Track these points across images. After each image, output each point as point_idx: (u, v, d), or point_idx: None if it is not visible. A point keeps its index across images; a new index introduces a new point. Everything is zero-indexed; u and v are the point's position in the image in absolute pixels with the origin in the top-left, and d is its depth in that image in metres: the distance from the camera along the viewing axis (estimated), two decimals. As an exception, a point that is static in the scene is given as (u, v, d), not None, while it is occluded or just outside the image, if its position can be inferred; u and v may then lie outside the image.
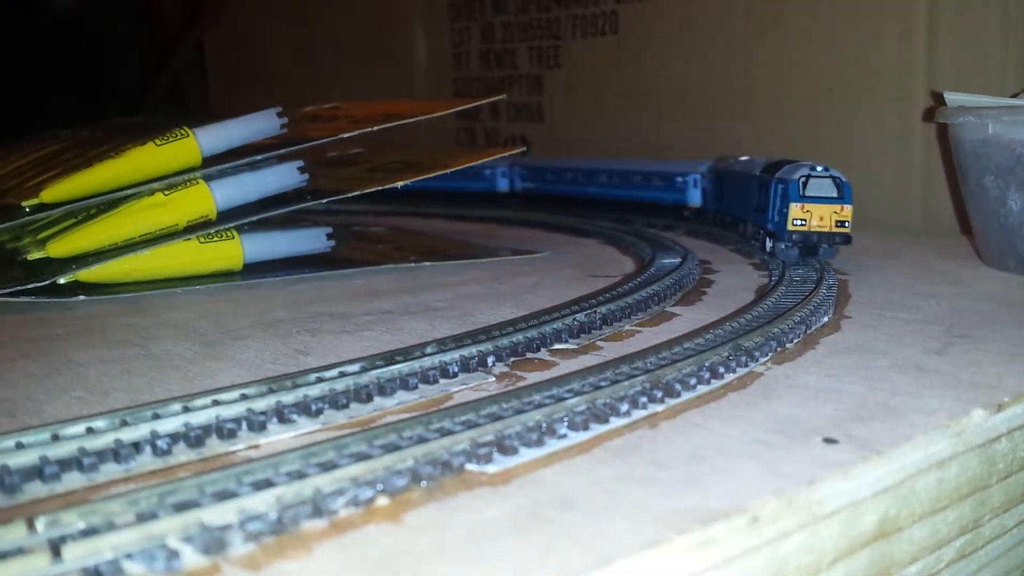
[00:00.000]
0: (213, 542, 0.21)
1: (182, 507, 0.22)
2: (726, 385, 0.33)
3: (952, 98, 0.58)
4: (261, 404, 0.30)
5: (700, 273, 0.54)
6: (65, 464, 0.26)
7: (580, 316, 0.41)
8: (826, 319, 0.42)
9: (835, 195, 0.52)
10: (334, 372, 0.33)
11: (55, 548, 0.21)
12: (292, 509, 0.23)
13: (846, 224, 0.52)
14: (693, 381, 0.32)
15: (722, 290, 0.51)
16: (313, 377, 0.32)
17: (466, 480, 0.25)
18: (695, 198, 0.76)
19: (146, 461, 0.27)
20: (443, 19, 1.10)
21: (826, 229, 0.52)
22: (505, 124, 1.06)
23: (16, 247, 0.56)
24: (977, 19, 0.68)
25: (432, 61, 1.13)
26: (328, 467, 0.24)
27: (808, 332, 0.40)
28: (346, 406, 0.31)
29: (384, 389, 0.32)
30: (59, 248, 0.52)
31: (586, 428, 0.28)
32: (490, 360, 0.36)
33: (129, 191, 0.54)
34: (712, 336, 0.37)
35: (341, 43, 1.23)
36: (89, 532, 0.21)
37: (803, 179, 0.52)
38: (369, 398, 0.32)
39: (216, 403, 0.30)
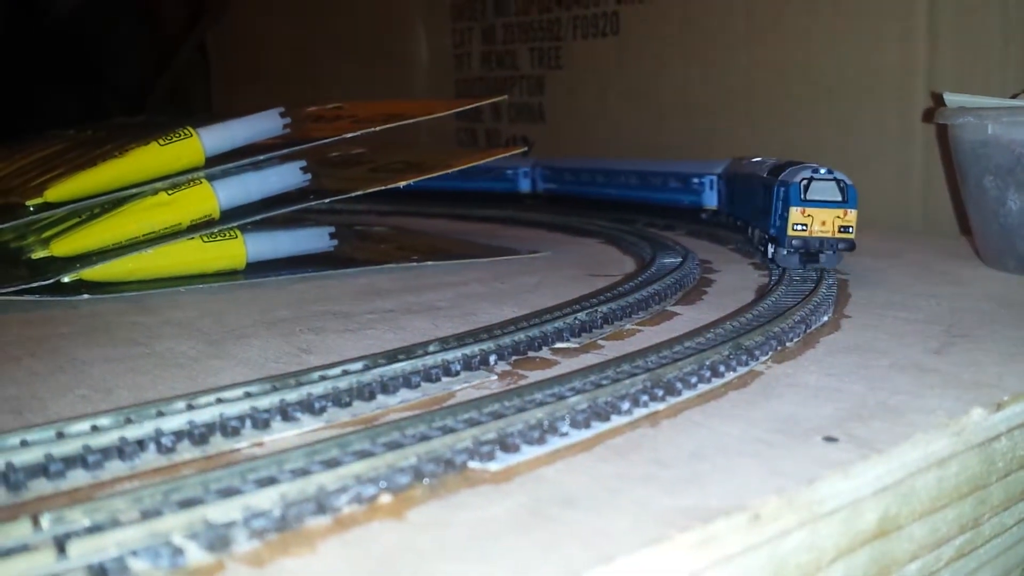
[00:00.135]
0: (217, 539, 0.21)
1: (186, 504, 0.23)
2: (727, 384, 0.33)
3: (952, 99, 0.58)
4: (265, 402, 0.30)
5: (701, 273, 0.54)
6: (70, 462, 0.26)
7: (581, 315, 0.41)
8: (826, 318, 0.42)
9: (839, 199, 0.49)
10: (337, 370, 0.33)
11: (60, 545, 0.21)
12: (296, 506, 0.23)
13: (850, 230, 0.49)
14: (694, 380, 0.32)
15: (723, 289, 0.51)
16: (316, 375, 0.33)
17: (468, 478, 0.25)
18: (711, 200, 0.74)
19: (150, 459, 0.27)
20: (444, 20, 1.11)
21: (828, 234, 0.49)
22: (506, 125, 1.06)
23: (20, 246, 0.56)
24: (977, 20, 0.69)
25: (433, 62, 1.13)
26: (332, 464, 0.25)
27: (808, 331, 0.40)
28: (349, 404, 0.31)
29: (387, 387, 0.32)
30: (63, 247, 0.53)
31: (588, 426, 0.29)
32: (492, 359, 0.36)
33: (133, 190, 0.54)
34: (713, 335, 0.37)
35: (343, 43, 1.23)
36: (94, 529, 0.21)
37: (805, 182, 0.50)
38: (372, 396, 0.32)
39: (220, 401, 0.30)
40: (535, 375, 0.35)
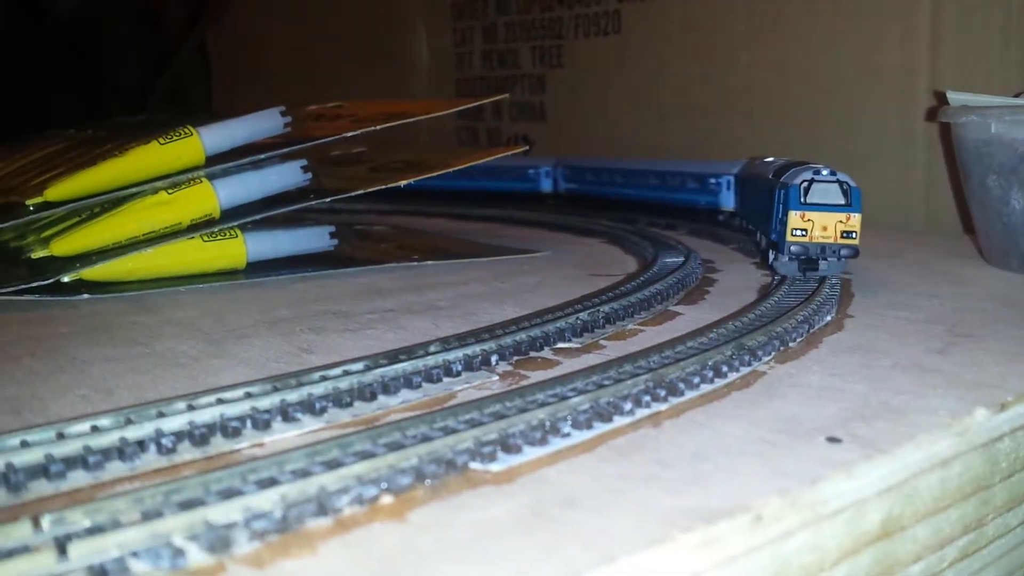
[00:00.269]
0: (218, 540, 0.21)
1: (187, 505, 0.22)
2: (729, 384, 0.33)
3: (955, 97, 0.58)
4: (265, 402, 0.30)
5: (703, 272, 0.54)
6: (70, 462, 0.26)
7: (583, 315, 0.41)
8: (829, 318, 0.42)
9: (841, 202, 0.46)
10: (338, 371, 0.33)
11: (61, 546, 0.21)
12: (297, 507, 0.23)
13: (853, 235, 0.46)
14: (696, 380, 0.32)
15: (725, 289, 0.51)
16: (317, 375, 0.32)
17: (470, 479, 0.25)
18: (728, 201, 0.71)
19: (151, 459, 0.27)
20: (445, 19, 1.11)
21: (830, 240, 0.46)
22: (507, 124, 1.06)
23: (20, 245, 0.56)
24: (979, 19, 0.68)
25: (434, 61, 1.13)
26: (332, 465, 0.25)
27: (811, 331, 0.40)
28: (350, 404, 0.31)
29: (388, 388, 0.32)
30: (63, 246, 0.52)
31: (590, 427, 0.28)
32: (493, 359, 0.36)
33: (133, 190, 0.54)
34: (715, 335, 0.37)
35: (343, 43, 1.23)
36: (95, 530, 0.21)
37: (805, 184, 0.47)
38: (373, 396, 0.32)
39: (220, 401, 0.30)
40: (537, 375, 0.35)
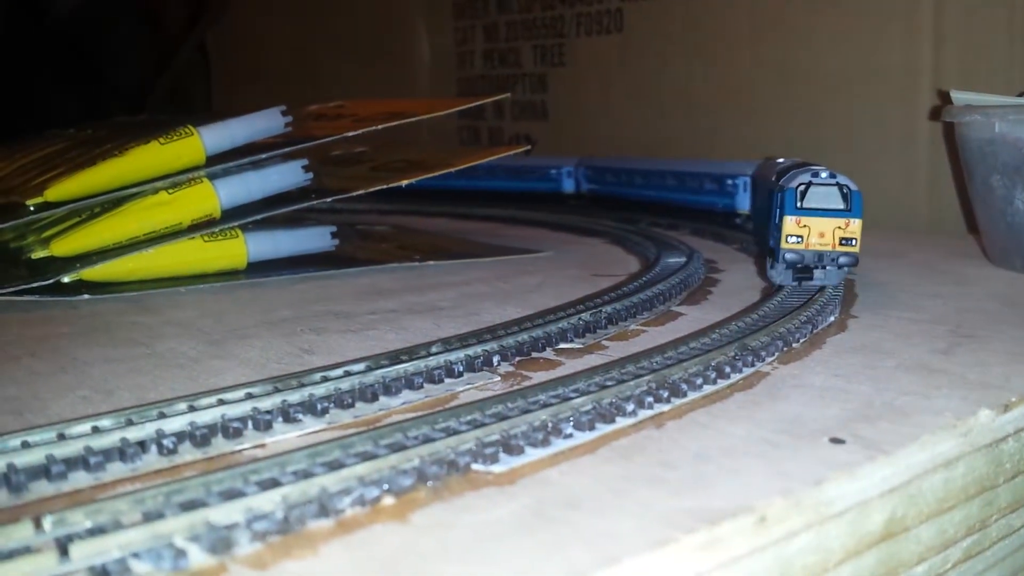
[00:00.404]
0: (220, 541, 0.21)
1: (189, 506, 0.22)
2: (732, 385, 0.33)
3: (959, 97, 0.58)
4: (267, 403, 0.30)
5: (705, 272, 0.54)
6: (71, 463, 0.26)
7: (585, 315, 0.41)
8: (832, 319, 0.42)
9: (841, 207, 0.43)
10: (339, 371, 0.33)
11: (62, 547, 0.21)
12: (298, 508, 0.23)
13: (853, 242, 0.43)
14: (699, 381, 0.32)
15: (728, 289, 0.51)
16: (318, 376, 0.32)
17: (472, 480, 0.25)
18: (744, 203, 0.69)
19: (152, 460, 0.27)
20: (447, 18, 1.10)
21: (828, 247, 0.43)
22: (509, 123, 1.06)
23: (20, 246, 0.56)
24: (982, 18, 0.68)
25: (436, 60, 1.13)
26: (334, 466, 0.24)
27: (814, 332, 0.40)
28: (351, 405, 0.31)
29: (390, 388, 0.32)
30: (63, 247, 0.52)
31: (592, 428, 0.28)
32: (495, 360, 0.36)
33: (133, 190, 0.54)
34: (718, 336, 0.37)
35: (344, 42, 1.23)
36: (96, 531, 0.21)
37: (802, 187, 0.44)
38: (375, 397, 0.32)
39: (222, 402, 0.30)
40: (539, 376, 0.35)
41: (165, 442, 0.27)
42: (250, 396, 0.30)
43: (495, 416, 0.28)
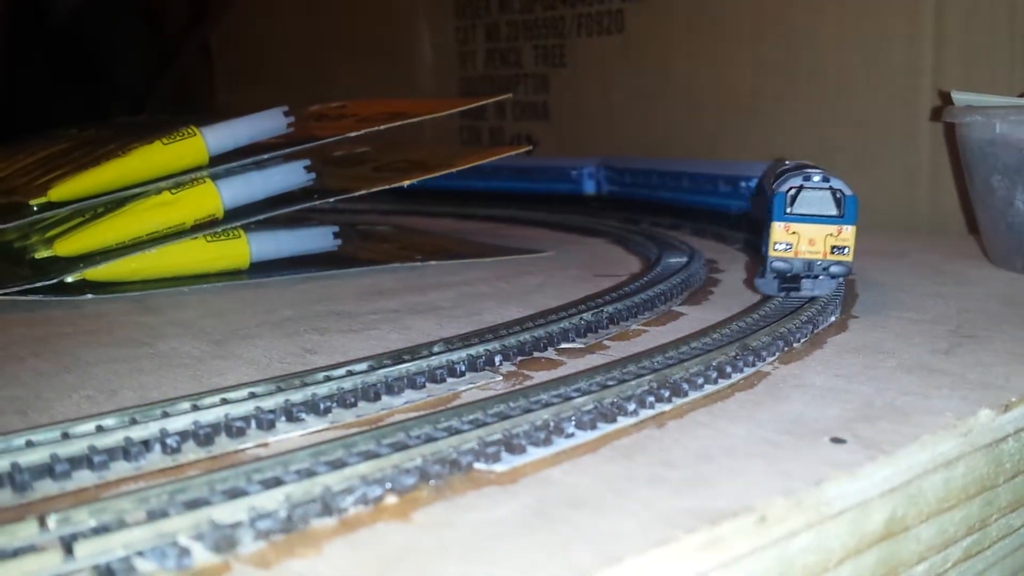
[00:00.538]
0: (223, 540, 0.21)
1: (192, 505, 0.23)
2: (733, 385, 0.33)
3: (960, 97, 0.58)
4: (270, 403, 0.30)
5: (707, 272, 0.54)
6: (75, 462, 0.26)
7: (587, 315, 0.41)
8: (833, 319, 0.42)
9: (832, 212, 0.41)
10: (342, 371, 0.33)
11: (67, 546, 0.21)
12: (302, 507, 0.23)
13: (845, 250, 0.41)
14: (700, 381, 0.32)
15: (729, 290, 0.51)
16: (321, 376, 0.33)
17: (474, 479, 0.25)
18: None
19: (156, 459, 0.27)
20: (448, 18, 1.11)
21: (818, 256, 0.41)
22: (510, 123, 1.06)
23: (24, 246, 0.56)
24: (984, 19, 0.68)
25: (437, 60, 1.13)
26: (337, 465, 0.25)
27: (815, 332, 0.40)
28: (354, 405, 0.31)
29: (392, 388, 0.32)
30: (67, 247, 0.53)
31: (594, 427, 0.28)
32: (497, 359, 0.36)
33: (136, 190, 0.54)
34: (719, 336, 0.37)
35: (346, 42, 1.23)
36: (100, 530, 0.21)
37: (792, 191, 0.41)
38: (377, 397, 0.32)
39: (225, 401, 0.30)
40: (540, 376, 0.35)
41: (169, 441, 0.28)
42: (253, 395, 0.31)
43: (497, 415, 0.28)
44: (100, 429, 0.28)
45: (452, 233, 0.77)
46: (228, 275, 0.57)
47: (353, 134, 0.60)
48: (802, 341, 0.38)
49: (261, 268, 0.57)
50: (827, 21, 0.77)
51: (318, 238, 0.61)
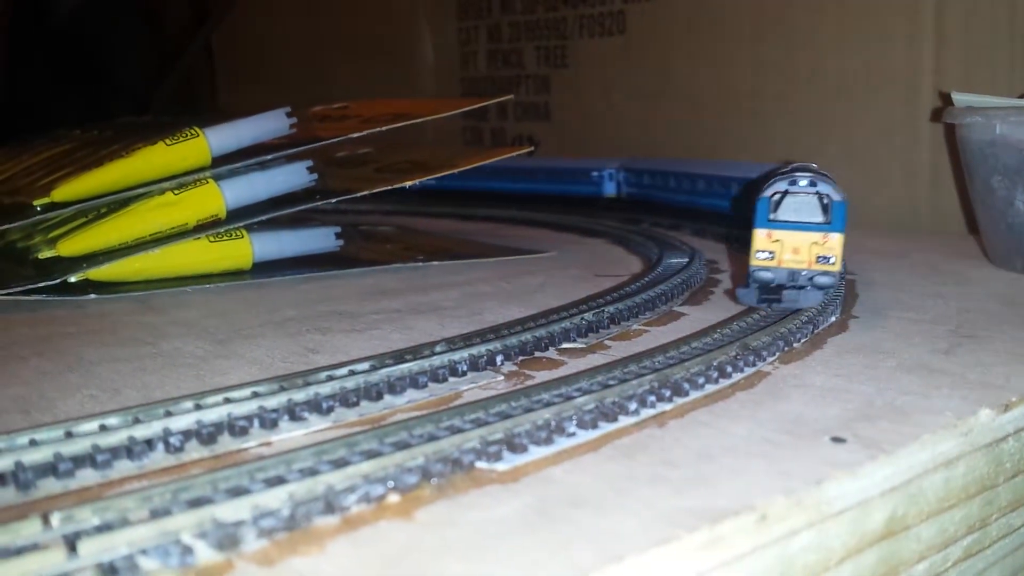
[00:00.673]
0: (226, 538, 0.22)
1: (195, 503, 0.23)
2: (734, 384, 0.33)
3: (960, 98, 0.58)
4: (272, 402, 0.30)
5: (707, 273, 0.54)
6: (79, 461, 0.26)
7: (588, 315, 0.41)
8: (833, 319, 0.42)
9: (818, 219, 0.38)
10: (344, 370, 0.33)
11: (71, 544, 0.21)
12: (304, 505, 0.23)
13: (831, 259, 0.38)
14: (701, 380, 0.32)
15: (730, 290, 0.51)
16: (324, 375, 0.33)
17: (476, 478, 0.25)
18: None
19: (159, 458, 0.27)
20: (450, 18, 1.11)
21: (802, 266, 0.38)
22: (512, 124, 1.06)
23: (27, 246, 0.56)
24: (984, 20, 0.68)
25: (439, 60, 1.13)
26: (340, 464, 0.25)
27: (815, 332, 0.40)
28: (356, 404, 0.31)
29: (394, 387, 0.32)
30: (70, 247, 0.53)
31: (595, 426, 0.29)
32: (499, 359, 0.36)
33: (139, 190, 0.54)
34: (720, 336, 0.37)
35: (348, 43, 1.23)
36: (104, 528, 0.22)
37: (777, 196, 0.39)
38: (379, 396, 0.32)
39: (228, 401, 0.30)
40: (542, 375, 0.35)
41: (172, 440, 0.28)
42: (256, 395, 0.31)
43: (499, 415, 0.28)
44: (103, 428, 0.28)
45: (453, 234, 0.77)
46: (231, 275, 0.57)
47: (355, 135, 0.60)
48: (802, 341, 0.39)
49: (264, 268, 0.58)
50: (827, 21, 0.77)
51: (320, 238, 0.61)
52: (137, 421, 0.28)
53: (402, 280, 0.56)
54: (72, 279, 0.52)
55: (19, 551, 0.21)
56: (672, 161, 0.81)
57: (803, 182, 0.39)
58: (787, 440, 0.28)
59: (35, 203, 0.54)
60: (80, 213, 0.55)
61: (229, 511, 0.22)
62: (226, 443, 0.28)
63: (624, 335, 0.41)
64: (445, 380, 0.34)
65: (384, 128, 0.61)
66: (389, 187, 0.61)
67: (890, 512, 0.27)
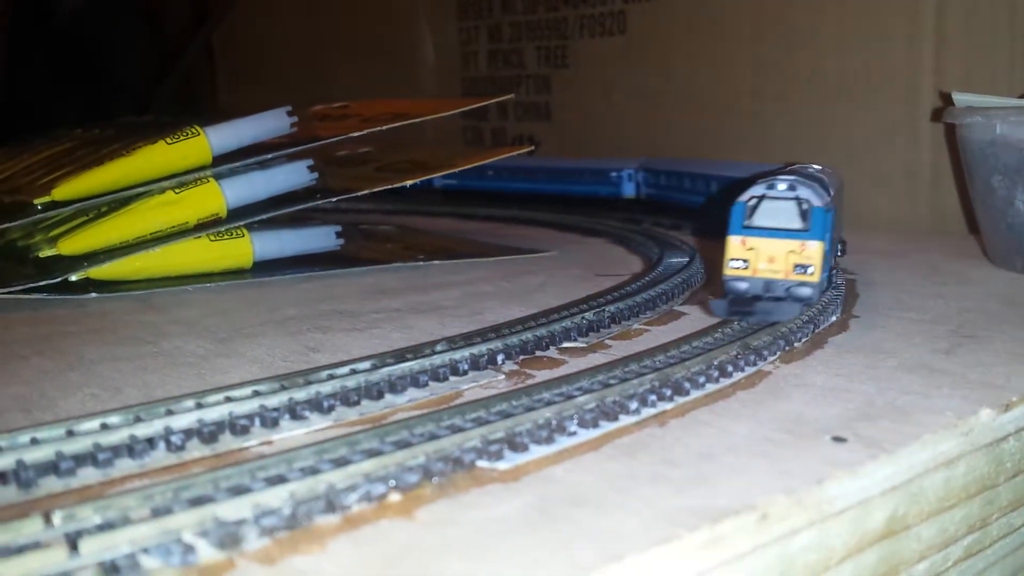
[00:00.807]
0: (228, 537, 0.22)
1: (197, 502, 0.23)
2: (735, 384, 0.33)
3: (960, 98, 0.58)
4: (273, 401, 0.30)
5: (708, 272, 0.54)
6: (80, 459, 0.26)
7: (589, 315, 0.41)
8: (834, 319, 0.42)
9: (796, 226, 0.36)
10: (345, 369, 0.33)
11: (72, 542, 0.21)
12: (305, 504, 0.23)
13: (810, 269, 0.36)
14: (702, 379, 0.32)
15: (730, 289, 0.51)
16: (325, 374, 0.33)
17: (477, 477, 0.25)
18: None
19: (160, 457, 0.27)
20: (450, 18, 1.11)
21: (779, 275, 0.36)
22: (512, 123, 1.06)
23: (28, 244, 0.56)
24: (984, 19, 0.68)
25: (440, 60, 1.13)
26: (341, 463, 0.25)
27: (816, 331, 0.40)
28: (357, 403, 0.31)
29: (395, 386, 0.32)
30: (70, 246, 0.53)
31: (596, 426, 0.29)
32: (500, 358, 0.36)
33: (140, 189, 0.54)
34: (720, 335, 0.37)
35: (349, 43, 1.23)
36: (105, 527, 0.22)
37: (753, 201, 0.37)
38: (380, 395, 0.32)
39: (229, 400, 0.30)
40: (543, 374, 0.35)
41: (173, 439, 0.28)
42: (257, 394, 0.31)
43: (500, 414, 0.28)
44: (105, 427, 0.28)
45: (454, 233, 0.77)
46: (231, 274, 0.57)
47: (356, 134, 0.60)
48: (803, 341, 0.39)
49: (264, 267, 0.58)
50: (827, 21, 0.77)
51: (321, 238, 0.61)
52: (138, 420, 0.29)
53: (403, 279, 0.56)
54: (73, 278, 0.52)
55: (21, 550, 0.21)
56: (692, 162, 0.79)
57: (781, 186, 0.37)
58: (788, 439, 0.28)
59: (36, 202, 0.54)
60: (81, 212, 0.55)
61: (230, 510, 0.22)
62: (227, 442, 0.28)
63: (625, 334, 0.41)
64: (446, 379, 0.34)
65: (384, 127, 0.61)
66: (389, 186, 0.61)
67: (891, 511, 0.27)
